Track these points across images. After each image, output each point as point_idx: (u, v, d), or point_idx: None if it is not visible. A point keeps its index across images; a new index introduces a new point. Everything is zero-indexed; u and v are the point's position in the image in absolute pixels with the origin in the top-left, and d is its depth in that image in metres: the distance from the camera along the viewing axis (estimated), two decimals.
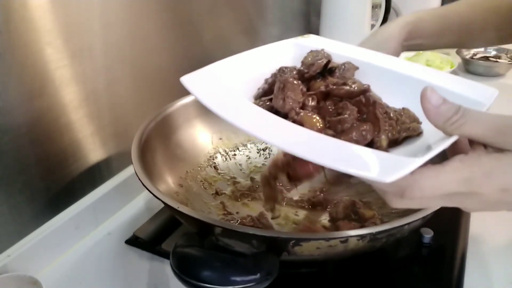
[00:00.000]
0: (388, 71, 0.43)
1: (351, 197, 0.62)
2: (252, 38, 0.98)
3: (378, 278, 0.53)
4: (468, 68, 1.13)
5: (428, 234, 0.56)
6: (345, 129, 0.35)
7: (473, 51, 1.20)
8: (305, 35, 0.50)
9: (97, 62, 0.61)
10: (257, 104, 0.39)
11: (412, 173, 0.30)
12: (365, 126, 0.35)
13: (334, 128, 0.36)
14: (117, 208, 0.64)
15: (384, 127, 0.35)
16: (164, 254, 0.55)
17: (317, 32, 1.09)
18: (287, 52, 0.47)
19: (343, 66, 0.43)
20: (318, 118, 0.37)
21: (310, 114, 0.37)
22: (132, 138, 0.56)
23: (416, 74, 0.43)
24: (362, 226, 0.55)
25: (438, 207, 0.33)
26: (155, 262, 0.55)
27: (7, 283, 0.47)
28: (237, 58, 0.43)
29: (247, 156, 0.71)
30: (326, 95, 0.39)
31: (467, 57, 1.17)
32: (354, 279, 0.53)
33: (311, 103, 0.38)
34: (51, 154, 0.57)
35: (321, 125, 0.36)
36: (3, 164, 0.51)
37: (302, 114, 0.37)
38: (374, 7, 1.14)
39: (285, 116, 0.37)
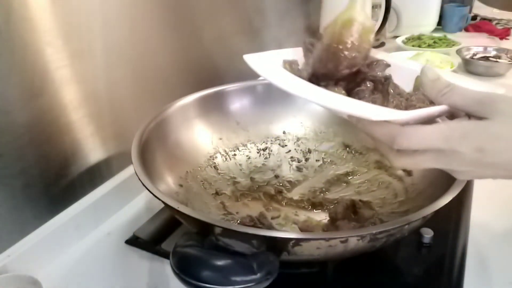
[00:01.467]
0: (408, 69, 0.48)
1: (351, 197, 0.62)
2: (252, 38, 0.98)
3: (378, 278, 0.53)
4: (468, 68, 1.13)
5: (428, 234, 0.56)
6: (361, 98, 0.43)
7: (473, 51, 1.21)
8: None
9: (97, 62, 0.61)
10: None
11: (402, 125, 0.37)
12: (376, 95, 0.44)
13: (353, 97, 0.44)
14: (117, 208, 0.64)
15: (391, 100, 0.42)
16: (164, 254, 0.55)
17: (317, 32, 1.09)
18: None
19: (375, 62, 0.49)
20: (342, 90, 0.45)
21: (336, 88, 0.45)
22: (132, 138, 0.56)
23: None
24: (361, 226, 0.55)
25: (429, 167, 0.38)
26: (155, 262, 0.55)
27: (7, 283, 0.47)
28: (294, 49, 0.51)
29: (247, 156, 0.71)
30: (355, 73, 0.46)
31: (467, 57, 1.17)
32: (354, 279, 0.53)
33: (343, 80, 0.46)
34: (51, 154, 0.57)
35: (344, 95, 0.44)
36: (3, 164, 0.51)
37: (329, 87, 0.45)
38: (374, 7, 1.15)
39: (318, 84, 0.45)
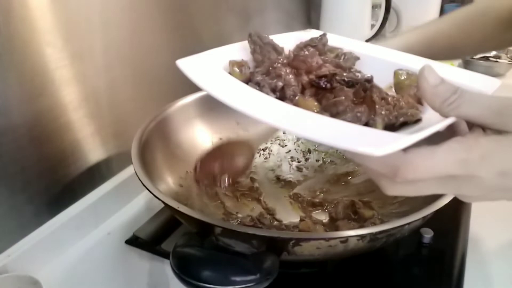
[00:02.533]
0: (388, 62, 0.42)
1: (351, 197, 0.62)
2: None
3: (378, 278, 0.53)
4: (468, 68, 1.13)
5: (428, 234, 0.56)
6: (340, 111, 0.35)
7: None
8: (307, 30, 0.50)
9: (97, 62, 0.61)
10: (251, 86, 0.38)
11: (406, 152, 0.29)
12: (360, 108, 0.35)
13: (330, 110, 0.36)
14: (117, 208, 0.64)
15: (380, 111, 0.35)
16: (164, 254, 0.55)
17: None
18: (288, 45, 0.45)
19: (343, 55, 0.43)
20: (314, 102, 0.37)
21: (306, 98, 0.37)
22: (132, 138, 0.56)
23: (418, 66, 0.42)
24: (361, 226, 0.55)
25: (433, 193, 0.32)
26: (155, 262, 0.55)
27: (7, 283, 0.47)
28: (233, 46, 0.43)
29: None
30: (328, 80, 0.39)
31: (467, 57, 1.17)
32: (354, 278, 0.53)
33: (311, 88, 0.38)
34: (51, 154, 0.57)
35: (317, 110, 0.36)
36: (3, 164, 0.51)
37: (298, 97, 0.37)
38: (374, 7, 1.15)
39: (281, 98, 0.37)
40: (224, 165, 0.55)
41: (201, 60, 0.39)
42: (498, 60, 1.18)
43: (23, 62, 0.51)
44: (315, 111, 0.36)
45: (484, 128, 0.31)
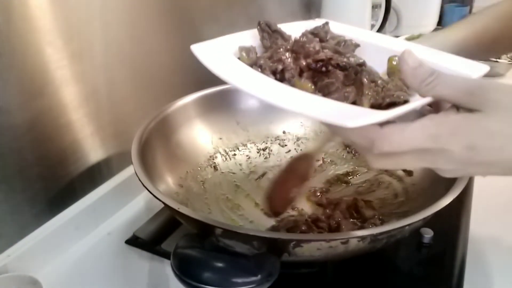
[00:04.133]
0: (388, 50, 0.44)
1: (352, 197, 0.62)
2: None
3: (378, 278, 0.53)
4: None
5: (428, 234, 0.56)
6: (330, 92, 0.38)
7: None
8: (315, 19, 0.50)
9: (97, 62, 0.61)
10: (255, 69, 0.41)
11: (382, 126, 0.32)
12: (348, 89, 0.38)
13: (323, 91, 0.39)
14: (117, 208, 0.64)
15: (366, 92, 0.37)
16: (164, 254, 0.55)
17: None
18: (296, 34, 0.47)
19: (344, 42, 0.45)
20: (309, 83, 0.40)
21: (302, 80, 0.40)
22: (132, 138, 0.56)
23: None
24: (362, 227, 0.55)
25: (412, 167, 0.34)
26: (155, 262, 0.55)
27: (7, 283, 0.47)
28: (245, 33, 0.46)
29: (247, 156, 0.71)
30: (324, 64, 0.41)
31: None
32: (354, 278, 0.53)
33: (308, 71, 0.42)
34: (51, 154, 0.57)
35: (311, 91, 0.39)
36: (3, 164, 0.51)
37: (295, 79, 0.41)
38: (374, 7, 1.15)
39: (281, 80, 0.41)
40: (295, 185, 0.56)
41: (214, 45, 0.43)
42: (498, 60, 1.17)
43: (23, 62, 0.51)
44: (310, 92, 0.39)
45: (458, 108, 0.33)
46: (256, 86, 0.37)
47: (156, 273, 0.54)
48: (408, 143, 0.32)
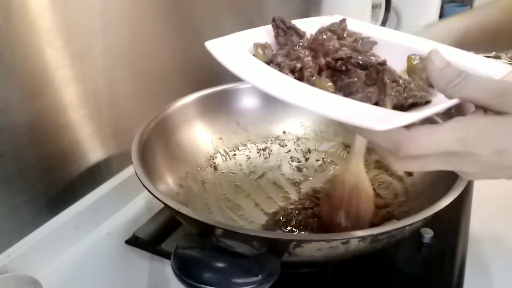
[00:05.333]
0: (405, 47, 0.43)
1: None
2: None
3: (378, 278, 0.53)
4: None
5: (428, 234, 0.56)
6: (352, 92, 0.37)
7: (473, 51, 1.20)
8: (331, 15, 0.50)
9: (97, 62, 0.61)
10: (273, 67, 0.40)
11: (409, 129, 0.32)
12: (371, 89, 0.37)
13: (343, 90, 0.38)
14: (117, 208, 0.64)
15: (389, 92, 0.36)
16: (164, 254, 0.55)
17: None
18: (311, 30, 0.46)
19: (361, 40, 0.45)
20: (329, 82, 0.39)
21: (322, 78, 0.40)
22: (132, 138, 0.56)
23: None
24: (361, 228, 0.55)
25: (436, 169, 0.33)
26: (155, 262, 0.55)
27: (7, 283, 0.47)
28: (259, 29, 0.45)
29: (247, 156, 0.71)
30: (344, 63, 0.41)
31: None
32: (354, 278, 0.53)
33: (327, 70, 0.41)
34: (51, 154, 0.57)
35: (331, 90, 0.39)
36: (3, 164, 0.51)
37: (314, 78, 0.39)
38: (374, 7, 1.14)
39: (299, 79, 0.39)
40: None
41: (228, 42, 0.42)
42: (498, 60, 1.18)
43: (23, 62, 0.51)
44: (330, 91, 0.38)
45: (486, 110, 0.32)
46: (277, 86, 0.36)
47: (156, 273, 0.54)
48: (435, 146, 0.32)
